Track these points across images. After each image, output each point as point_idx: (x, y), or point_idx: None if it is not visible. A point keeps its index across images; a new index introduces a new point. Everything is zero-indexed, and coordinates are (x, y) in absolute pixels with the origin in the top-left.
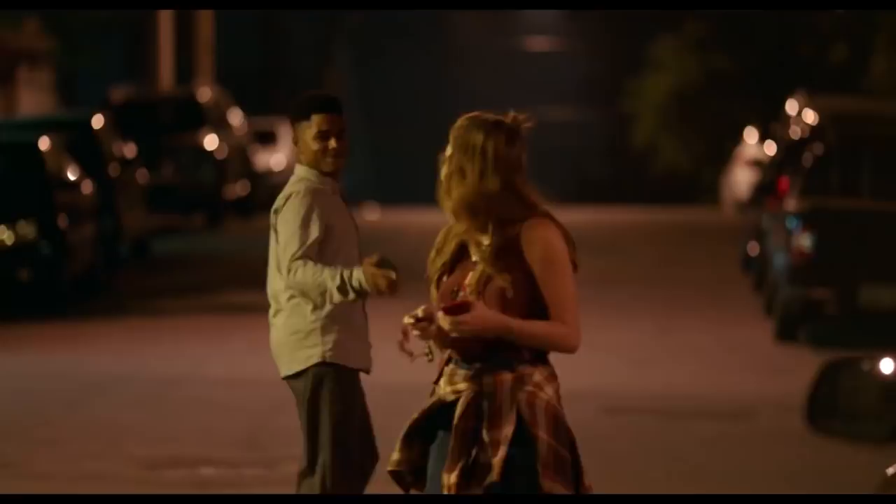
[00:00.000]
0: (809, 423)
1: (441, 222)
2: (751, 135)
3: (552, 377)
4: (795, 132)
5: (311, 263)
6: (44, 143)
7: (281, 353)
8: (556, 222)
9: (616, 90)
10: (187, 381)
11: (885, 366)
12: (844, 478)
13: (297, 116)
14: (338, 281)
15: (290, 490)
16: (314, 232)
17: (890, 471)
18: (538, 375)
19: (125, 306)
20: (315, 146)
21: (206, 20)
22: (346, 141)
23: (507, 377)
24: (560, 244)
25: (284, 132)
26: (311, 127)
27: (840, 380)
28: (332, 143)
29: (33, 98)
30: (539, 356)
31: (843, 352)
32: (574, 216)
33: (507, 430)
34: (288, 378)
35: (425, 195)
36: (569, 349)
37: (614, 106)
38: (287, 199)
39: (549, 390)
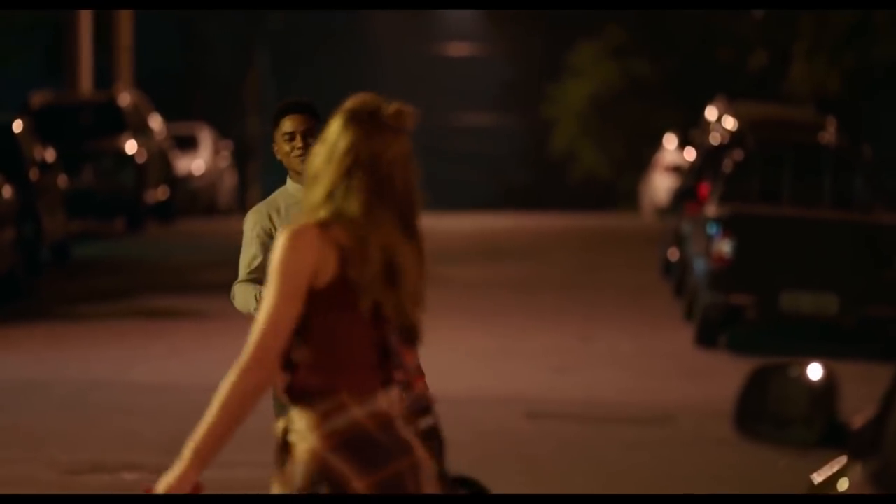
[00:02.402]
0: (738, 428)
1: None
2: (670, 141)
3: (322, 419)
4: (715, 138)
5: (242, 286)
6: None
7: None
8: (319, 230)
9: (537, 96)
10: (109, 386)
11: (813, 372)
12: (765, 482)
13: (273, 126)
14: (253, 304)
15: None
16: (250, 251)
17: (816, 478)
18: (300, 422)
19: (46, 311)
20: (285, 148)
21: (126, 24)
22: (314, 140)
23: (279, 426)
24: (280, 255)
25: (204, 137)
26: (280, 130)
27: (768, 385)
28: (298, 142)
29: None
30: (304, 396)
31: (763, 358)
32: (495, 222)
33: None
34: None
35: None
36: (252, 385)
37: (535, 112)
38: None
39: (312, 439)
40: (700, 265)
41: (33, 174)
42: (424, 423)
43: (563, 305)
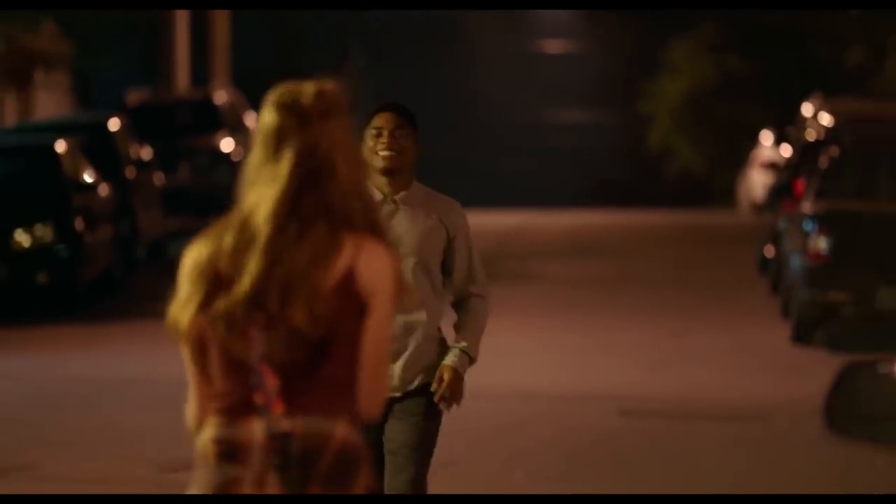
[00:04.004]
0: (828, 425)
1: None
2: (766, 137)
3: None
4: (811, 134)
5: None
6: (60, 146)
7: None
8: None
9: (632, 92)
10: None
11: None
12: (862, 480)
13: (365, 125)
14: None
15: None
16: None
17: None
18: None
19: (141, 308)
20: (370, 143)
21: (222, 22)
22: (401, 140)
23: None
24: None
25: None
26: (370, 126)
27: (858, 382)
28: (384, 138)
29: (50, 101)
30: None
31: (860, 355)
32: (590, 218)
33: None
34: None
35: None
36: None
37: (630, 108)
38: None
39: None
40: (796, 262)
41: (130, 172)
42: (280, 451)
43: (657, 301)
